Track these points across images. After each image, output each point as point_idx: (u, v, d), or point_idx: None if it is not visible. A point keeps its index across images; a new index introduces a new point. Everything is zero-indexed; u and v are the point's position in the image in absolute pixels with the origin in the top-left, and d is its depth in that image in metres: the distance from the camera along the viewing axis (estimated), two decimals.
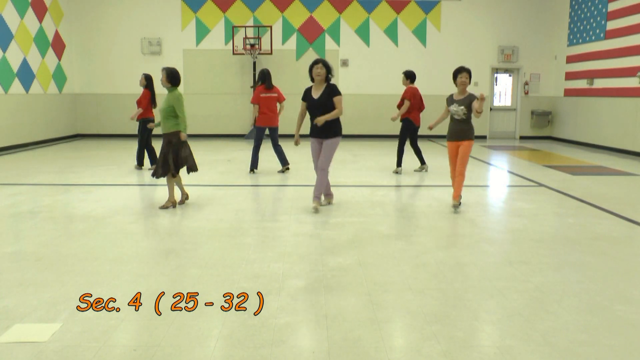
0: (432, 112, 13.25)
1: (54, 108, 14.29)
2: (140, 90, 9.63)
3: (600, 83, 13.17)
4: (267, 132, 9.12)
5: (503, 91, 16.20)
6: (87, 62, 15.34)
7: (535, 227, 5.69)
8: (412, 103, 8.93)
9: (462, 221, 5.92)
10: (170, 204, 6.45)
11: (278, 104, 9.04)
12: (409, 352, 2.95)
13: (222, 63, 15.29)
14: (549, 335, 3.16)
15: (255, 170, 9.19)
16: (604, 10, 12.95)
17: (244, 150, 12.54)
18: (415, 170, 9.42)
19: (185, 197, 6.68)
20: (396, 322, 3.34)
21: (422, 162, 9.40)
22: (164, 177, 6.31)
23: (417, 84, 9.85)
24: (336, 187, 7.96)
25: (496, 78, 16.00)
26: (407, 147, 9.30)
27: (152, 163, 9.41)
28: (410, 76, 9.15)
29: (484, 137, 15.86)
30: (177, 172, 6.37)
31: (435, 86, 14.68)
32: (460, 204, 6.47)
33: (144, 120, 9.08)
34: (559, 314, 3.46)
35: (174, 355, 2.90)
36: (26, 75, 12.88)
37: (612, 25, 12.62)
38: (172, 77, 6.24)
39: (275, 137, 9.08)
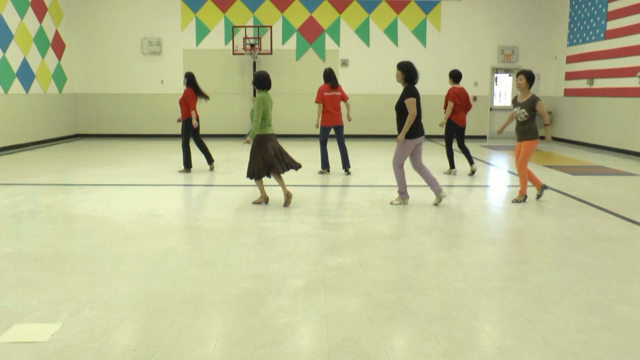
0: (434, 112, 13.30)
1: (54, 108, 14.29)
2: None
3: (600, 83, 13.17)
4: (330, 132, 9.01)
5: (503, 91, 16.20)
6: (87, 62, 15.34)
7: (535, 227, 5.69)
8: (457, 104, 8.82)
9: (462, 221, 5.93)
10: (263, 200, 6.73)
11: (342, 103, 8.95)
12: (409, 352, 2.95)
13: (222, 63, 15.29)
14: (549, 335, 3.16)
15: (327, 170, 9.10)
16: (604, 10, 12.95)
17: (244, 151, 12.53)
18: (444, 173, 9.23)
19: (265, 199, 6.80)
20: (396, 322, 3.34)
21: (471, 162, 9.12)
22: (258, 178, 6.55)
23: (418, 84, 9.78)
24: (336, 187, 7.97)
25: (496, 78, 16.00)
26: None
27: (208, 162, 9.49)
28: (453, 76, 9.00)
29: (484, 137, 15.86)
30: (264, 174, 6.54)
31: (435, 86, 14.67)
32: (522, 199, 6.91)
33: (186, 121, 9.10)
34: (559, 314, 3.46)
35: (174, 355, 2.90)
36: (26, 75, 12.88)
37: (612, 25, 12.62)
38: (255, 80, 6.51)
39: (341, 137, 8.99)
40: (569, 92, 14.71)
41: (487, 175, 9.38)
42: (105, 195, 7.23)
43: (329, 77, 8.80)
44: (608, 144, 12.76)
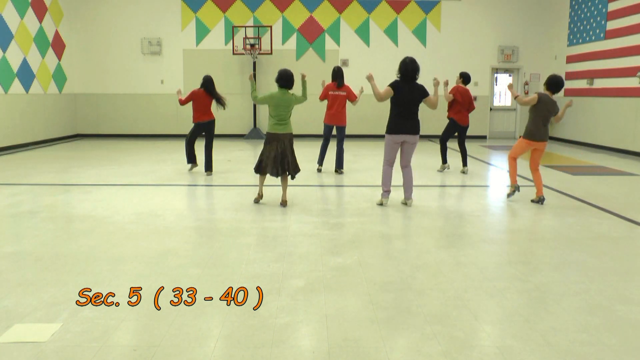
0: (433, 112, 13.28)
1: (54, 108, 14.29)
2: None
3: (600, 83, 13.17)
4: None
5: (503, 91, 16.20)
6: (87, 62, 15.34)
7: (535, 227, 5.69)
8: (460, 103, 9.00)
9: (462, 221, 5.92)
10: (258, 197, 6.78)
11: (350, 103, 8.99)
12: (409, 352, 2.95)
13: (222, 63, 15.29)
14: (549, 335, 3.16)
15: (321, 168, 9.21)
16: (604, 10, 12.95)
17: (244, 151, 12.54)
18: (438, 170, 9.51)
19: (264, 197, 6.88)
20: (396, 322, 3.33)
21: (464, 164, 9.31)
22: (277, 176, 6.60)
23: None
24: (337, 187, 7.97)
25: (496, 78, 16.00)
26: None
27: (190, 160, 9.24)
28: (463, 76, 9.25)
29: (484, 137, 15.86)
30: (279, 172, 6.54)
31: None
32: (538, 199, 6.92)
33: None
34: (559, 314, 3.46)
35: (174, 355, 2.90)
36: (26, 75, 12.88)
37: (612, 25, 12.62)
38: (277, 78, 6.52)
39: (342, 137, 9.03)
40: (569, 92, 14.71)
41: (486, 176, 9.38)
42: (105, 195, 7.23)
43: (336, 75, 8.81)
44: (608, 144, 12.76)
